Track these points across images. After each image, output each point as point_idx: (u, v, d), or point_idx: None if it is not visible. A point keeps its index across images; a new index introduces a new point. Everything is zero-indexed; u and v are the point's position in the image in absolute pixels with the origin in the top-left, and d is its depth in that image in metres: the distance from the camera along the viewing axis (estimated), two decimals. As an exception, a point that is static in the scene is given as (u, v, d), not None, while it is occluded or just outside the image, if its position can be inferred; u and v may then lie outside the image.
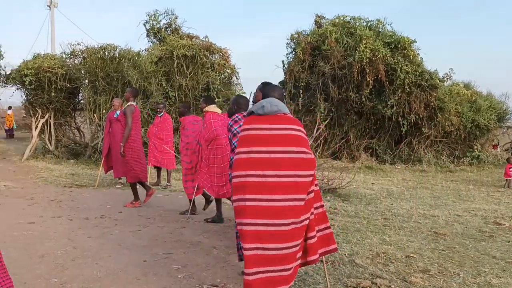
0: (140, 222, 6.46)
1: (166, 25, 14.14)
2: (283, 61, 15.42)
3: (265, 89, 3.65)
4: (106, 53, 12.37)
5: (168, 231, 5.99)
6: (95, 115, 12.54)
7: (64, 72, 12.52)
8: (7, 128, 24.40)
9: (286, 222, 3.14)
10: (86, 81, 13.12)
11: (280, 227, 3.13)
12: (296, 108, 14.62)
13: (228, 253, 5.12)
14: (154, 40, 14.23)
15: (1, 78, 13.84)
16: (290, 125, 3.42)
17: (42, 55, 13.45)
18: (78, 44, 12.83)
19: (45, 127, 13.52)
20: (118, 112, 8.81)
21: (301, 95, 14.83)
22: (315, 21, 15.60)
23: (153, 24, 14.06)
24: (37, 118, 13.37)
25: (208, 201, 7.09)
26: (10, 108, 24.95)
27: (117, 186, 9.19)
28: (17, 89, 13.67)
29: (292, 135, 3.38)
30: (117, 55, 12.46)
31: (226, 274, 4.44)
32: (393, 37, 14.23)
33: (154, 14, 13.96)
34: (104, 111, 12.48)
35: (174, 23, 14.11)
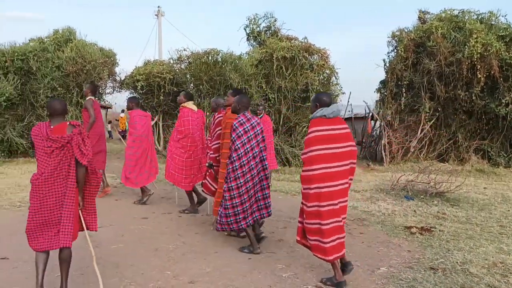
0: (243, 220, 6.63)
1: (265, 28, 14.38)
2: (384, 60, 14.89)
3: (325, 96, 4.32)
4: (210, 58, 12.90)
5: (270, 230, 6.08)
6: (199, 117, 13.13)
7: (171, 76, 13.29)
8: (120, 130, 26.51)
9: (340, 200, 4.14)
10: (191, 84, 13.79)
11: (343, 203, 4.16)
12: (399, 108, 14.05)
13: (331, 255, 5.07)
14: (254, 43, 14.53)
15: (117, 84, 15.02)
16: (345, 125, 4.30)
17: (152, 61, 14.39)
18: (184, 50, 13.56)
19: (154, 128, 14.45)
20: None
21: (404, 94, 14.22)
22: (419, 17, 14.86)
23: (253, 27, 14.37)
24: (147, 120, 14.33)
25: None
26: (122, 111, 27.06)
27: (220, 185, 9.53)
28: (130, 93, 14.75)
29: (348, 133, 4.27)
30: (220, 59, 12.94)
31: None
32: (508, 29, 13.05)
33: (254, 18, 14.28)
34: (207, 113, 13.01)
35: (274, 25, 14.29)
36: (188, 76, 13.67)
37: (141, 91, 13.54)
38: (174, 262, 4.76)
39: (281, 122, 13.14)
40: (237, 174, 4.93)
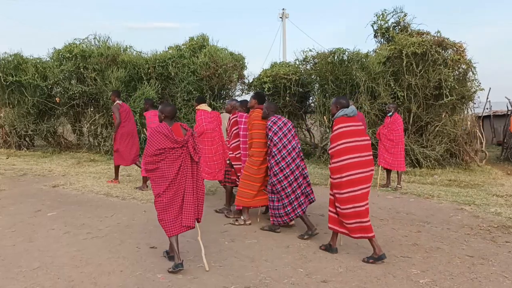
0: (374, 223, 6.46)
1: (394, 24, 13.81)
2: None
3: (343, 99, 5.01)
4: (335, 57, 12.78)
5: (403, 234, 5.86)
6: (324, 117, 13.11)
7: (297, 78, 13.46)
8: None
9: (368, 185, 4.80)
10: (317, 85, 13.81)
11: (366, 189, 4.76)
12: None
13: (472, 263, 4.72)
14: (382, 40, 14.07)
15: (245, 86, 15.62)
16: (360, 123, 5.02)
17: (278, 63, 14.72)
18: (310, 50, 13.61)
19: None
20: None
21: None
22: None
23: (380, 24, 13.90)
24: (273, 121, 14.71)
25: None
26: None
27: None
28: (258, 95, 15.23)
29: (364, 129, 5.08)
30: (346, 58, 12.75)
31: (474, 287, 4.11)
32: None
33: (382, 14, 13.82)
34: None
35: (403, 21, 13.67)
36: (313, 76, 13.72)
37: (268, 93, 13.93)
38: (306, 260, 4.83)
39: (411, 121, 12.55)
40: (282, 165, 5.58)
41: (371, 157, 4.90)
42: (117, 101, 9.23)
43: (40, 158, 13.59)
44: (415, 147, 12.16)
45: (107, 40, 15.05)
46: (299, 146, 5.78)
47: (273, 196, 5.69)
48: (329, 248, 5.08)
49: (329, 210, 5.01)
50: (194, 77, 13.99)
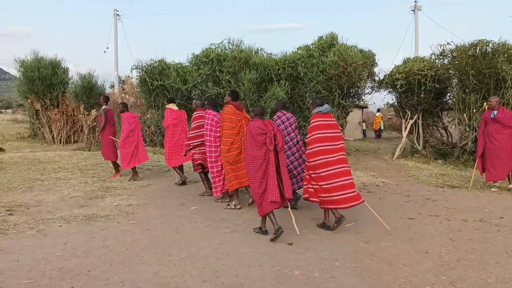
0: (526, 231, 5.85)
1: (548, 9, 12.34)
2: None
3: (318, 100, 6.17)
4: (477, 50, 11.77)
5: None
6: (464, 114, 12.17)
7: (433, 73, 12.66)
8: (375, 129, 26.76)
9: (342, 166, 5.76)
10: (455, 80, 12.85)
11: (341, 168, 5.74)
12: None
13: None
14: (533, 28, 12.63)
15: (375, 84, 15.14)
16: (333, 118, 6.03)
17: (412, 59, 13.99)
18: (447, 43, 12.70)
19: (413, 127, 14.07)
20: (495, 111, 8.28)
21: None
22: None
23: (531, 10, 12.50)
24: (406, 119, 14.07)
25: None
26: (378, 110, 27.25)
27: (492, 189, 8.63)
28: (389, 92, 14.69)
29: (336, 123, 6.00)
30: (490, 50, 11.67)
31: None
32: None
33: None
34: (474, 110, 11.95)
35: (560, 5, 12.13)
36: (451, 71, 12.78)
37: (400, 90, 13.35)
38: (448, 267, 4.54)
39: None
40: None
41: (342, 145, 5.90)
42: (105, 106, 10.24)
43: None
44: None
45: (240, 44, 15.75)
46: (298, 138, 7.06)
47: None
48: (324, 225, 6.04)
49: (305, 185, 6.13)
50: (323, 77, 13.98)
